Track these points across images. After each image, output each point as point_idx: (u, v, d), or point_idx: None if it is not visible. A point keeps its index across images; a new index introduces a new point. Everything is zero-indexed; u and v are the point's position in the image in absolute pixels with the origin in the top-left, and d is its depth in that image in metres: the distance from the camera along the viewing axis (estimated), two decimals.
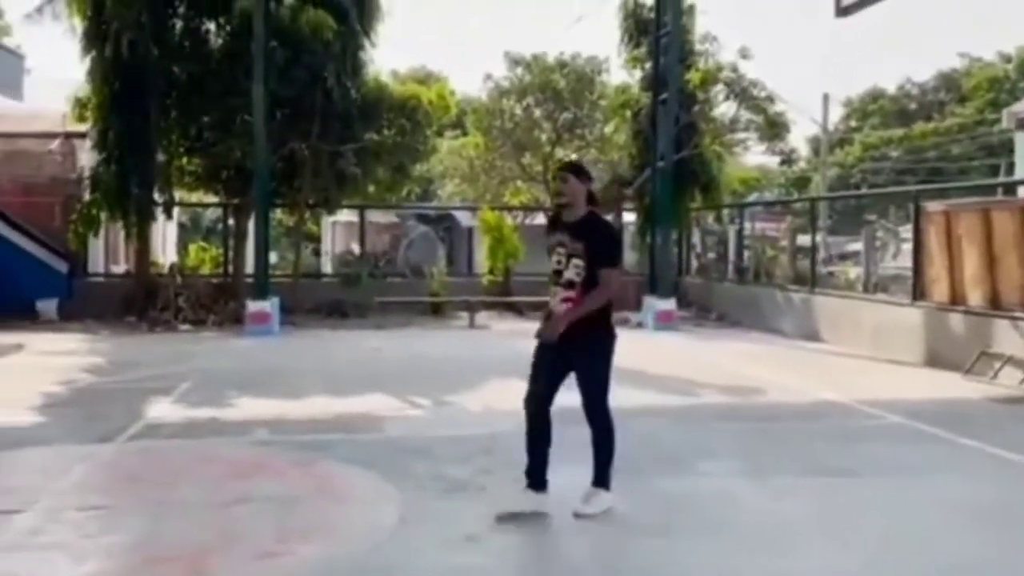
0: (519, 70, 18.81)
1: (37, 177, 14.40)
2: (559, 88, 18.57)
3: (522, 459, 4.32)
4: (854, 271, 15.79)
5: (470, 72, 77.54)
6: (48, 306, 12.78)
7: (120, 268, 16.25)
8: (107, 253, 15.79)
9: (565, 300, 4.18)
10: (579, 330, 4.12)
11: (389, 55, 44.90)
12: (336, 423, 6.50)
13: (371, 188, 15.11)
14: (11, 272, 12.63)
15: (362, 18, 13.94)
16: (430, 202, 25.00)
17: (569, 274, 4.16)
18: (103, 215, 13.14)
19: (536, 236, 9.79)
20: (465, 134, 22.20)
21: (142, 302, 13.00)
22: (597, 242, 4.16)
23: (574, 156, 17.91)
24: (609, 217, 5.57)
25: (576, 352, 4.14)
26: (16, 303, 12.43)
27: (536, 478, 4.26)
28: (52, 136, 14.93)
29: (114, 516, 4.35)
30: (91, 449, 5.63)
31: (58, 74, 17.77)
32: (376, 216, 19.14)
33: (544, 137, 19.15)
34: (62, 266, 13.34)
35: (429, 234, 18.38)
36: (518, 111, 19.12)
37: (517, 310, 14.37)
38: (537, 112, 19.00)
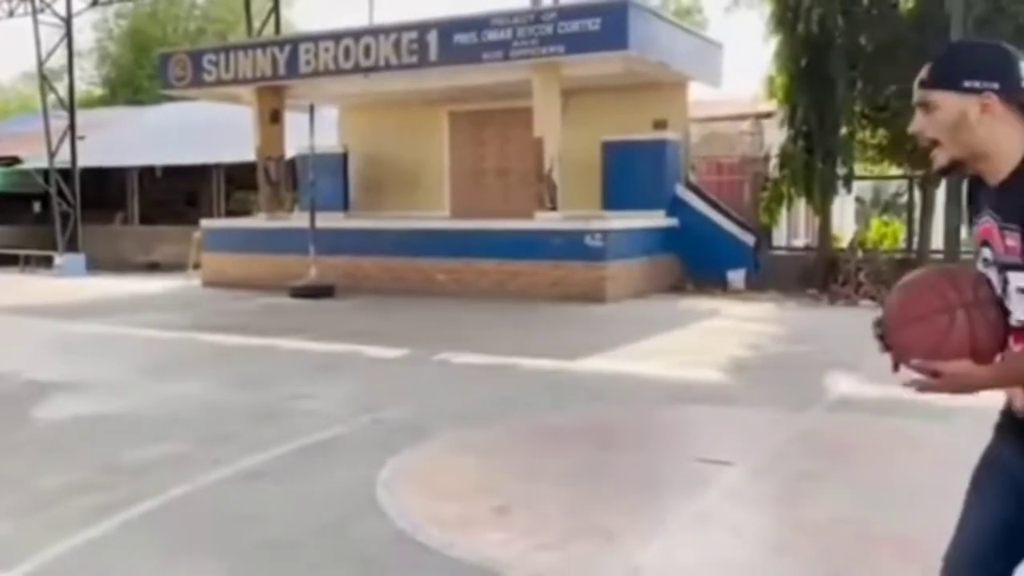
0: None
1: (729, 157, 15.65)
2: None
3: None
4: None
5: None
6: (736, 276, 13.80)
7: (799, 242, 16.76)
8: (788, 227, 16.40)
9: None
10: None
11: None
12: None
13: None
14: (706, 244, 13.96)
15: None
16: None
17: (1016, 308, 1.77)
18: (792, 191, 13.72)
19: None
20: None
21: (823, 276, 13.21)
22: None
23: None
24: None
25: None
26: (710, 273, 13.70)
27: None
28: (743, 118, 16.04)
29: (819, 485, 4.42)
30: (789, 415, 5.85)
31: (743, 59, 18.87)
32: None
33: None
34: (749, 239, 14.26)
35: None
36: None
37: None
38: None
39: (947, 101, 1.77)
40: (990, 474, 1.91)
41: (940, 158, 1.82)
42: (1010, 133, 1.75)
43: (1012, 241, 1.72)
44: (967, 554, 1.93)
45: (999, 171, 1.77)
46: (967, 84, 1.75)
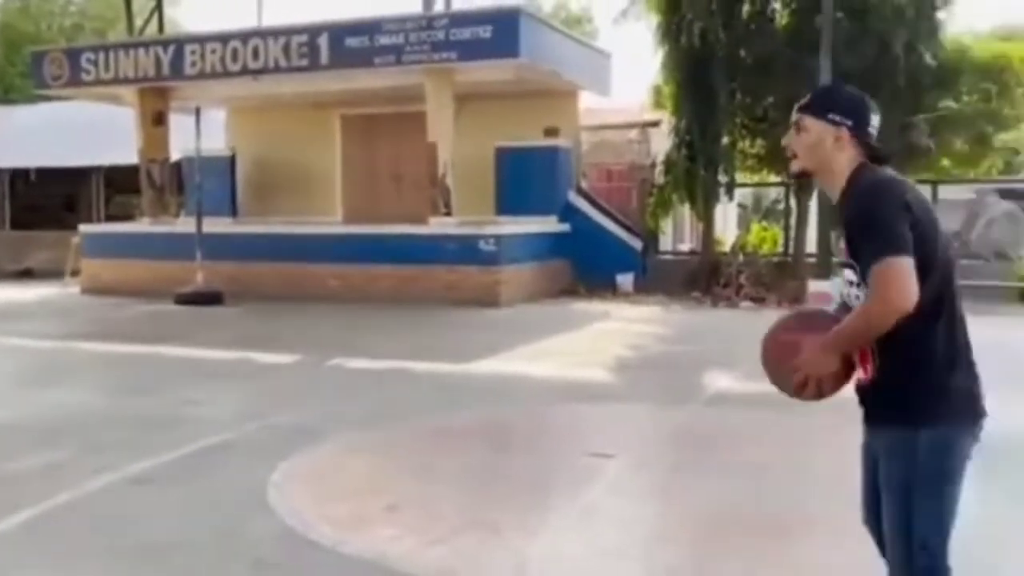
0: None
1: (618, 164, 16.11)
2: None
3: None
4: None
5: None
6: (625, 280, 14.20)
7: (685, 246, 17.37)
8: (674, 232, 17.00)
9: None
10: (876, 405, 2.27)
11: (970, 13, 40.67)
12: None
13: (945, 161, 13.86)
14: (596, 249, 14.32)
15: None
16: (1018, 175, 21.91)
17: (852, 302, 2.27)
18: (675, 197, 14.26)
19: None
20: None
21: (706, 279, 13.74)
22: (850, 225, 2.21)
23: None
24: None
25: (878, 448, 2.29)
26: (600, 276, 14.05)
27: None
28: (631, 126, 16.53)
29: (698, 474, 4.65)
30: (670, 411, 6.11)
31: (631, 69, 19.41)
32: (948, 193, 17.39)
33: None
34: (637, 244, 14.69)
35: (1015, 213, 16.11)
36: None
37: None
38: None
39: (814, 126, 2.26)
40: (864, 449, 2.37)
41: (794, 167, 2.35)
42: (848, 162, 2.25)
43: (843, 243, 2.25)
44: (870, 513, 2.37)
45: (836, 189, 2.28)
46: (831, 116, 2.25)
